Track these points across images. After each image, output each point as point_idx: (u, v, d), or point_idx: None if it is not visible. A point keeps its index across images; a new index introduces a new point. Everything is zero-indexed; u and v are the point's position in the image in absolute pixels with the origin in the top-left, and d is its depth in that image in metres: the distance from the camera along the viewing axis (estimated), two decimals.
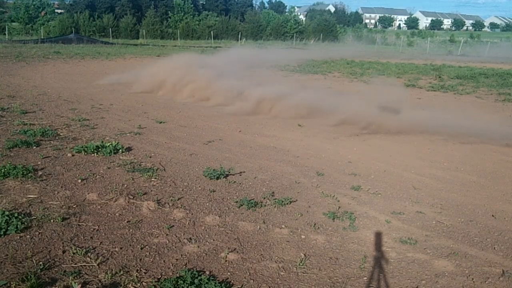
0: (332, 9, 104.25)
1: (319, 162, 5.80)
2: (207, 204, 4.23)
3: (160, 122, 7.85)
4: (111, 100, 10.06)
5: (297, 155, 6.10)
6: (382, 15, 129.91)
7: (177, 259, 3.20)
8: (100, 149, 5.62)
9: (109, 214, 3.89)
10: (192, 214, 3.98)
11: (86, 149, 5.61)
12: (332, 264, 3.25)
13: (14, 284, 2.74)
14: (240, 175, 5.11)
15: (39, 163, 5.16)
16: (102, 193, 4.34)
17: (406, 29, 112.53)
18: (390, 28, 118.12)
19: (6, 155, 5.38)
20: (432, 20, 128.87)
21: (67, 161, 5.32)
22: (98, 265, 3.04)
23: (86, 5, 54.16)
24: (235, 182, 4.88)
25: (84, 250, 3.22)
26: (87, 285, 2.81)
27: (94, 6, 55.68)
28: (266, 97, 9.41)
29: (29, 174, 4.65)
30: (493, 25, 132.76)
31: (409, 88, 14.51)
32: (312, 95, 10.14)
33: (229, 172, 5.08)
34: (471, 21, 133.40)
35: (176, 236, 3.55)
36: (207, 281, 2.82)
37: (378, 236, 3.71)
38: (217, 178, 4.90)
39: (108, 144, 5.79)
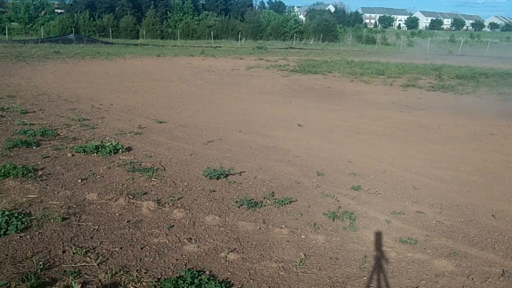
0: (332, 9, 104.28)
1: (319, 162, 5.80)
2: (207, 204, 4.23)
3: (160, 122, 7.84)
4: (111, 100, 10.06)
5: (297, 155, 6.10)
6: (382, 15, 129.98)
7: (177, 259, 3.20)
8: (100, 149, 5.62)
9: (109, 214, 3.89)
10: (192, 214, 3.98)
11: (86, 149, 5.61)
12: (332, 264, 3.25)
13: (14, 284, 2.74)
14: (240, 175, 5.11)
15: (39, 163, 5.16)
16: (102, 193, 4.34)
17: (406, 29, 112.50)
18: (390, 28, 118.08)
19: (6, 155, 5.38)
20: (432, 20, 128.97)
21: (67, 161, 5.32)
22: (98, 265, 3.04)
23: (86, 5, 54.11)
24: (235, 182, 4.87)
25: (84, 250, 3.22)
26: (87, 285, 2.80)
27: (94, 6, 55.64)
28: None
29: (29, 174, 4.65)
30: (493, 25, 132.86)
31: (409, 87, 14.52)
32: None
33: (229, 172, 5.08)
34: (471, 21, 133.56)
35: (176, 236, 3.54)
36: (207, 281, 2.82)
37: (378, 236, 3.71)
38: (217, 178, 4.90)
39: (108, 144, 5.79)
